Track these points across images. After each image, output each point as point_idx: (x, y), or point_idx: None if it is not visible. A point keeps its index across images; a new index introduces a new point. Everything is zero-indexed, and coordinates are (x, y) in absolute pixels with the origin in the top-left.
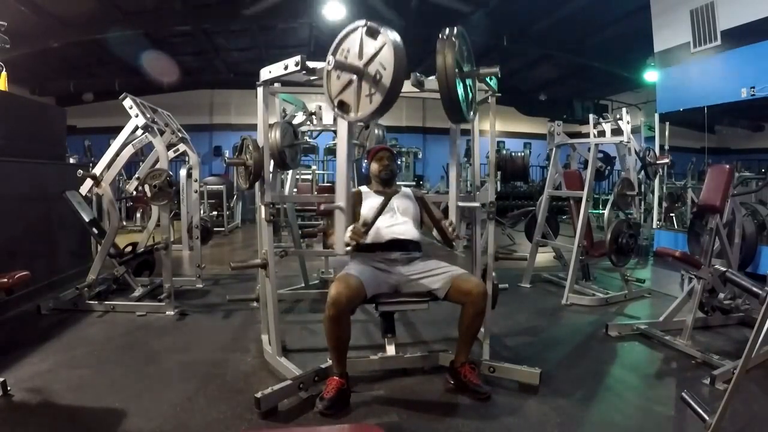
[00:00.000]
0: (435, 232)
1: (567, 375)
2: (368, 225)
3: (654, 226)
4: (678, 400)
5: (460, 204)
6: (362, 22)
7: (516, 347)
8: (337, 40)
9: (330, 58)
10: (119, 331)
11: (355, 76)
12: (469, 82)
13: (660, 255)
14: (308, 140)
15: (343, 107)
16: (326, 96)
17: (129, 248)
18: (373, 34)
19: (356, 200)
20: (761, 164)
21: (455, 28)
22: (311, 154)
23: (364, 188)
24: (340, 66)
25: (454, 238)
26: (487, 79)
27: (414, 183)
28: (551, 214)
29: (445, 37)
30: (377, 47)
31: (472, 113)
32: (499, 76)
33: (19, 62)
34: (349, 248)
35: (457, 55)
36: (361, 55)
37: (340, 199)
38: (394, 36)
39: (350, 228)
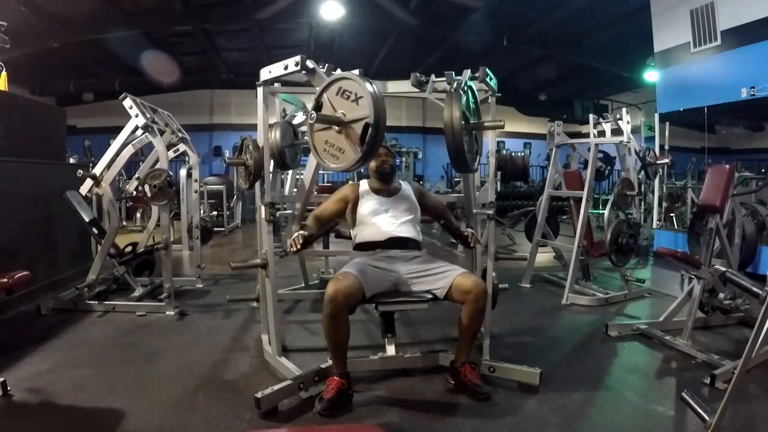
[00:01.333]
0: (436, 226)
1: (567, 375)
2: (309, 239)
3: (654, 226)
4: (678, 400)
5: (476, 211)
6: (361, 81)
7: (516, 347)
8: (332, 78)
9: (312, 112)
10: (119, 331)
11: (335, 128)
12: (474, 133)
13: (660, 255)
14: (308, 140)
15: (321, 153)
16: (309, 139)
17: (129, 248)
18: (364, 100)
19: (352, 194)
20: (761, 164)
21: (463, 82)
22: (310, 154)
23: (363, 184)
24: (323, 119)
25: (475, 244)
26: (487, 79)
27: None
28: (551, 214)
29: (452, 92)
30: (362, 116)
31: (478, 162)
32: (504, 128)
33: (19, 62)
34: (292, 249)
35: (464, 109)
36: (348, 110)
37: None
38: (379, 103)
39: (295, 235)
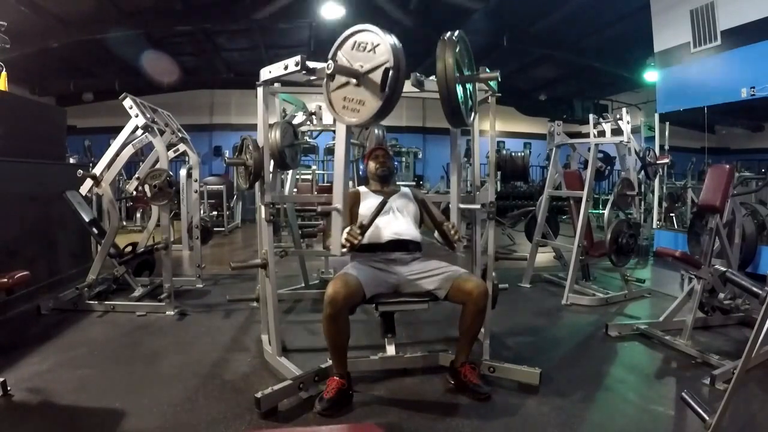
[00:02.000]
0: (436, 234)
1: (567, 375)
2: (364, 227)
3: (654, 226)
4: (678, 400)
5: (461, 206)
6: (377, 29)
7: (516, 347)
8: (347, 33)
9: (330, 62)
10: (119, 331)
11: (354, 81)
12: (469, 86)
13: (660, 255)
14: (308, 140)
15: (337, 107)
16: (325, 99)
17: (129, 248)
18: (381, 47)
19: (354, 200)
20: (761, 164)
21: (456, 32)
22: (311, 154)
23: (362, 188)
24: (340, 70)
25: (456, 240)
26: None
27: (414, 183)
28: (551, 214)
29: (445, 40)
30: (380, 62)
31: (472, 116)
32: (500, 80)
33: (19, 62)
34: (344, 249)
35: (458, 58)
36: (366, 60)
37: (338, 201)
38: (397, 47)
39: (346, 230)
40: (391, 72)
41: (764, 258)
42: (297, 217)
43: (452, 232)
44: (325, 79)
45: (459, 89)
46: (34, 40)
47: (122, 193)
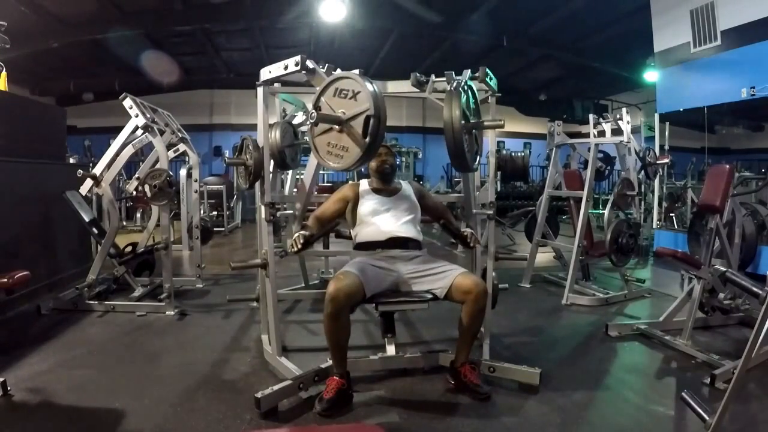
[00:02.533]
0: (436, 226)
1: (567, 375)
2: (310, 239)
3: (654, 226)
4: (678, 400)
5: (476, 211)
6: (357, 77)
7: (516, 347)
8: (329, 80)
9: (312, 112)
10: (119, 331)
11: (336, 127)
12: (474, 132)
13: (660, 255)
14: (308, 140)
15: (321, 152)
16: (310, 143)
17: (129, 248)
18: (362, 94)
19: (352, 193)
20: (761, 164)
21: (463, 81)
22: (311, 154)
23: (364, 184)
24: (323, 119)
25: (475, 245)
26: (487, 79)
27: None
28: (551, 214)
29: (452, 91)
30: (362, 110)
31: (476, 162)
32: (503, 127)
33: (19, 62)
34: (293, 249)
35: (464, 109)
36: (347, 107)
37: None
38: (377, 96)
39: (295, 235)
40: (371, 120)
41: (764, 258)
42: None
43: (472, 242)
44: (309, 126)
45: (464, 137)
46: (34, 40)
47: (122, 193)
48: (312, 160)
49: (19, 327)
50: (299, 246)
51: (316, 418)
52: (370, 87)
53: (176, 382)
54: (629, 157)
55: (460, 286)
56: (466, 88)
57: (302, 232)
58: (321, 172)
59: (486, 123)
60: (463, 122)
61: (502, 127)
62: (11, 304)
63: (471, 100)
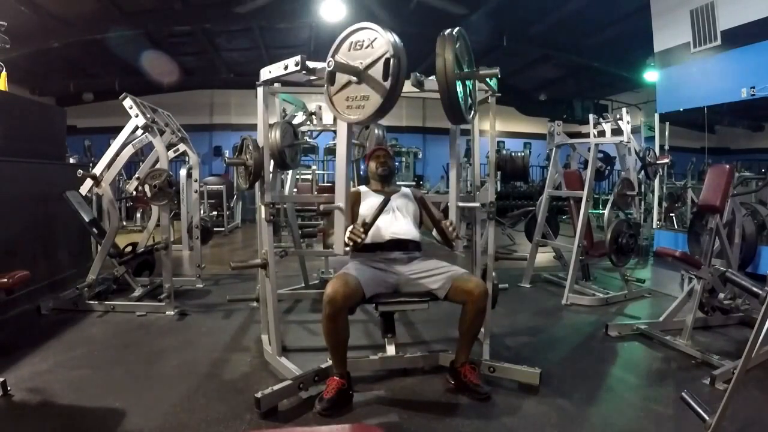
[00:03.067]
0: (435, 233)
1: (567, 375)
2: (367, 225)
3: (654, 226)
4: (678, 400)
5: (461, 204)
6: (372, 24)
7: (516, 347)
8: (343, 35)
9: (330, 59)
10: (119, 331)
11: (355, 78)
12: (468, 83)
13: (660, 255)
14: (308, 140)
15: (338, 106)
16: (326, 97)
17: (129, 248)
18: (378, 39)
19: (355, 200)
20: (761, 164)
21: (455, 29)
22: (311, 154)
23: (363, 188)
24: (340, 68)
25: (454, 239)
26: (487, 79)
27: (414, 183)
28: (551, 214)
29: (445, 36)
30: (380, 54)
31: (471, 114)
32: (499, 77)
33: (19, 62)
34: (348, 248)
35: (457, 54)
36: (364, 56)
37: (340, 200)
38: (399, 46)
39: (349, 228)
40: (392, 60)
41: (764, 258)
42: (297, 217)
43: (450, 229)
44: (326, 86)
45: (459, 86)
46: (34, 40)
47: (122, 193)
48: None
49: (19, 327)
50: (362, 236)
51: (316, 418)
52: (386, 32)
53: (176, 382)
54: (629, 157)
55: (460, 286)
56: (458, 35)
57: (355, 223)
58: (321, 172)
59: (481, 72)
60: (457, 71)
61: (497, 75)
62: (11, 304)
63: (464, 48)
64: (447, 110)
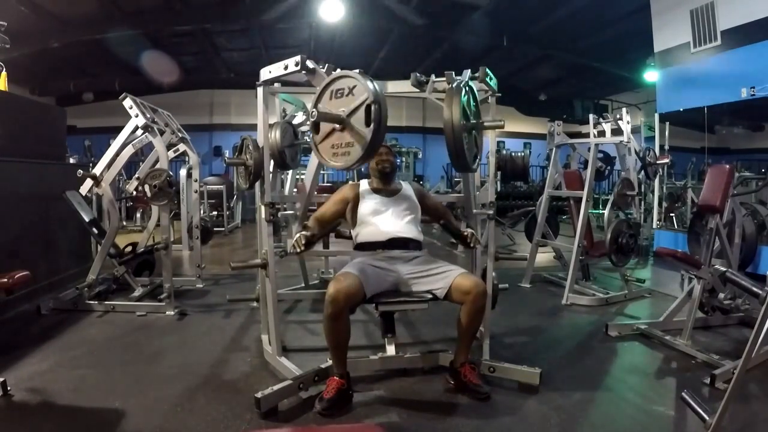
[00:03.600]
0: (437, 227)
1: (567, 375)
2: (312, 238)
3: (654, 226)
4: (678, 400)
5: (476, 211)
6: (350, 72)
7: (516, 347)
8: (323, 84)
9: (313, 109)
10: (119, 331)
11: (338, 126)
12: (474, 131)
13: (660, 255)
14: (308, 140)
15: (323, 151)
16: (314, 152)
17: (129, 248)
18: (358, 87)
19: (352, 193)
20: (761, 164)
21: (463, 81)
22: (311, 154)
23: (364, 184)
24: (324, 117)
25: (475, 244)
26: (487, 79)
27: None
28: (551, 214)
29: (452, 89)
30: (361, 101)
31: (476, 164)
32: (504, 128)
33: (19, 62)
34: (295, 250)
35: (464, 107)
36: (346, 104)
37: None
38: (378, 92)
39: (297, 236)
40: (373, 107)
41: (764, 258)
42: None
43: (472, 242)
44: (311, 136)
45: (465, 137)
46: (34, 40)
47: (122, 193)
48: (312, 161)
49: (19, 327)
50: (301, 247)
51: (316, 418)
52: (365, 80)
53: (176, 382)
54: (629, 157)
55: (459, 286)
56: (466, 87)
57: (303, 232)
58: (321, 172)
59: (486, 123)
60: (463, 122)
61: (502, 127)
62: (11, 304)
63: (471, 100)
64: (453, 160)
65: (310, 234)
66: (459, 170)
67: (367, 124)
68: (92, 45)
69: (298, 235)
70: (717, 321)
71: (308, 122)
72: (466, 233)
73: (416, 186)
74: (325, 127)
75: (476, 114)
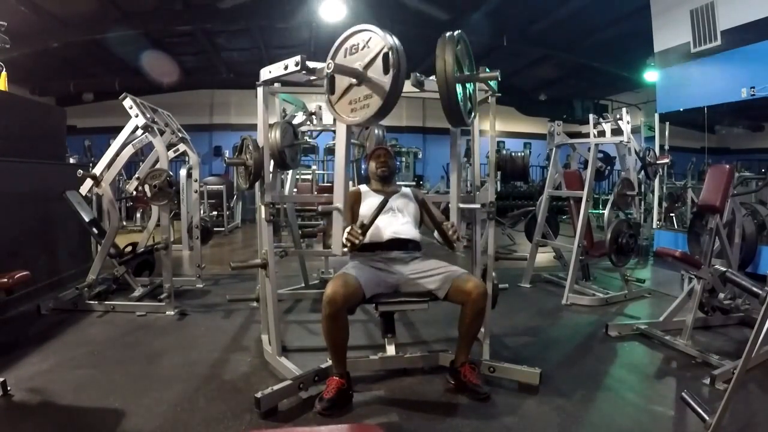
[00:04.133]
0: (436, 234)
1: (567, 375)
2: (365, 226)
3: (654, 226)
4: (678, 400)
5: (461, 205)
6: (364, 25)
7: (516, 347)
8: (337, 43)
9: (330, 61)
10: (119, 331)
11: (355, 80)
12: (469, 86)
13: (660, 255)
14: (308, 140)
15: (338, 107)
16: (327, 105)
17: (129, 248)
18: (373, 38)
19: (355, 199)
20: (761, 164)
21: (456, 31)
22: (311, 154)
23: (363, 187)
24: (340, 70)
25: (456, 240)
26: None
27: (414, 183)
28: (551, 214)
29: (445, 38)
30: (378, 51)
31: (471, 117)
32: (500, 80)
33: (19, 62)
34: (345, 249)
35: (458, 57)
36: (362, 58)
37: (338, 200)
38: (395, 40)
39: (347, 229)
40: (390, 53)
41: (764, 258)
42: (297, 217)
43: (451, 232)
44: (326, 96)
45: (459, 89)
46: (34, 40)
47: (122, 193)
48: (339, 135)
49: (19, 327)
50: (360, 237)
51: (316, 418)
52: (380, 30)
53: (176, 382)
54: (629, 157)
55: (460, 287)
56: (458, 37)
57: (353, 225)
58: (321, 172)
59: (481, 75)
60: (457, 73)
61: (497, 78)
62: (11, 304)
63: (465, 51)
64: (447, 113)
65: (365, 223)
66: (454, 125)
67: (386, 72)
68: (92, 45)
69: (350, 227)
70: (717, 321)
71: (327, 70)
72: (444, 226)
73: (418, 192)
74: (341, 83)
75: (470, 66)
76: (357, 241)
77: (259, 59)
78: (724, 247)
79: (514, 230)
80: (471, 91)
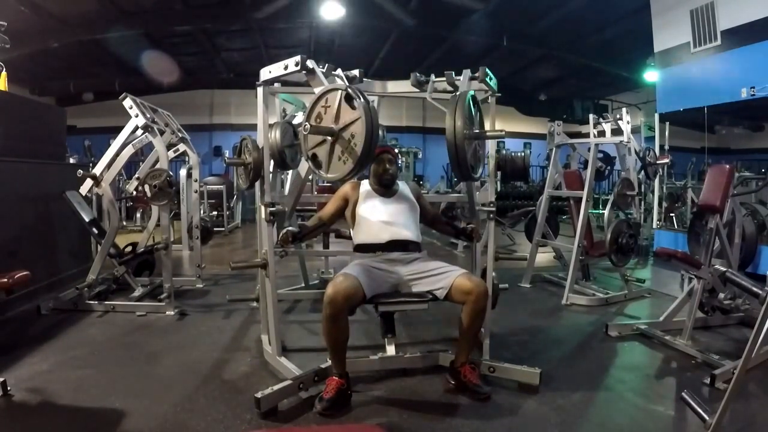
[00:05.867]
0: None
1: (567, 375)
2: (296, 239)
3: (654, 226)
4: (678, 400)
5: (479, 209)
6: (342, 84)
7: (516, 347)
8: (313, 100)
9: (306, 123)
10: (119, 331)
11: (329, 138)
12: (476, 142)
13: (660, 255)
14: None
15: (316, 162)
16: (303, 150)
17: (129, 248)
18: (349, 100)
19: (353, 192)
20: (761, 164)
21: (466, 93)
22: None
23: (364, 183)
24: (316, 131)
25: (478, 239)
26: (487, 79)
27: (414, 183)
28: (551, 214)
29: (456, 98)
30: (353, 116)
31: (479, 172)
32: (505, 137)
33: (19, 62)
34: (281, 244)
35: (467, 116)
36: (337, 117)
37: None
38: (369, 106)
39: (283, 232)
40: (364, 121)
41: (764, 258)
42: (297, 217)
43: (474, 234)
44: (301, 137)
45: (467, 147)
46: (34, 40)
47: (122, 193)
48: (303, 165)
49: (19, 327)
50: (288, 241)
51: (316, 418)
52: (355, 93)
53: (176, 382)
54: (629, 157)
55: (460, 287)
56: (468, 97)
57: (290, 228)
58: None
59: (488, 133)
60: (466, 131)
61: (503, 137)
62: (11, 304)
63: (474, 108)
64: (455, 169)
65: (295, 230)
66: (461, 179)
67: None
68: (92, 45)
69: (285, 230)
70: (717, 321)
71: (303, 131)
72: (468, 228)
73: (413, 185)
74: (317, 138)
75: (479, 123)
76: (285, 247)
77: (259, 59)
78: (724, 247)
79: (514, 230)
80: (479, 147)
